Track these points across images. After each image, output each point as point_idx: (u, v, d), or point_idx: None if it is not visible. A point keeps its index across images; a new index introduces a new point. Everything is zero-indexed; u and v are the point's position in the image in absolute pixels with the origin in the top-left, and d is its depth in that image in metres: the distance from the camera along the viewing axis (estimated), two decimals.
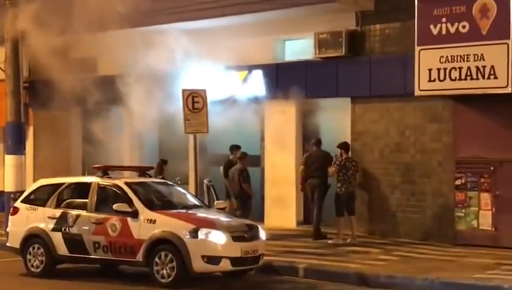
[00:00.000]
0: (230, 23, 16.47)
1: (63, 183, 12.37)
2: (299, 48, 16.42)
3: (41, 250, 11.93)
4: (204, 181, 15.11)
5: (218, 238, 10.89)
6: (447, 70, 13.13)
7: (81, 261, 11.88)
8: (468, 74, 12.95)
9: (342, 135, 15.27)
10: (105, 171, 12.30)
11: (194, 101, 13.77)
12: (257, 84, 16.45)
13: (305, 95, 15.68)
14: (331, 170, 14.13)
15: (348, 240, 13.97)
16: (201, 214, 11.73)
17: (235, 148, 14.83)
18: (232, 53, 16.39)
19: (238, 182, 13.66)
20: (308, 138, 16.05)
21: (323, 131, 16.05)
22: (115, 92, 15.68)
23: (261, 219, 15.89)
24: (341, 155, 14.08)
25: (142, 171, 13.08)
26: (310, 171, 14.69)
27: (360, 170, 14.48)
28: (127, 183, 11.78)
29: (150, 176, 12.97)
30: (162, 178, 13.68)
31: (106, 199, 11.83)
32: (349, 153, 14.34)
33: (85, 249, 11.59)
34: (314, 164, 14.59)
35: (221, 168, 14.92)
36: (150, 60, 17.13)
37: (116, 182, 11.89)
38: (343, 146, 14.15)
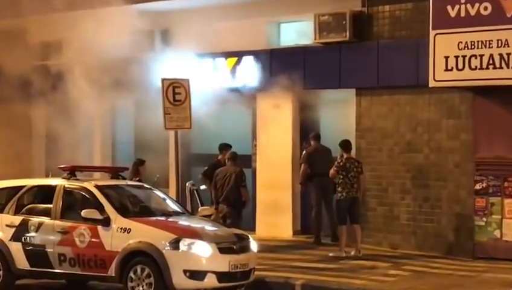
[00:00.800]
0: (218, 3, 16.42)
1: (24, 186, 12.28)
2: (297, 32, 16.38)
3: None
4: (187, 184, 15.06)
5: (202, 250, 10.83)
6: (466, 58, 13.11)
7: (45, 276, 11.79)
8: (491, 62, 12.92)
9: (345, 132, 15.26)
10: (72, 172, 12.21)
11: (175, 92, 13.72)
12: (248, 73, 16.40)
13: (303, 85, 15.64)
14: (331, 171, 14.12)
15: (352, 253, 13.95)
16: (184, 222, 11.67)
17: (224, 147, 14.76)
18: (219, 37, 16.35)
19: (235, 186, 13.52)
20: (307, 135, 16.03)
21: (324, 127, 16.05)
22: (83, 82, 15.61)
23: (251, 228, 15.86)
24: (341, 155, 14.05)
25: (115, 172, 13.02)
26: (315, 168, 14.79)
27: (365, 173, 14.44)
28: (97, 187, 11.70)
29: (124, 178, 12.91)
30: (139, 181, 13.61)
31: (73, 204, 11.76)
32: (352, 152, 14.29)
33: (49, 262, 11.50)
34: (321, 161, 14.69)
35: (205, 169, 14.80)
36: (121, 46, 17.08)
37: (85, 184, 11.81)
38: (343, 145, 14.15)
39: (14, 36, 15.49)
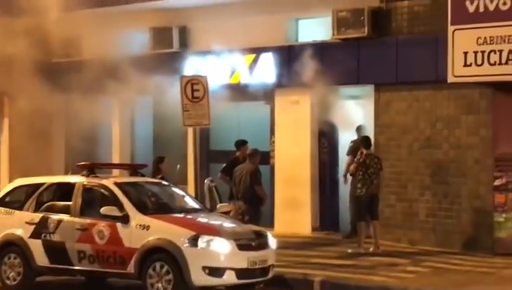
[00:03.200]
0: None
1: (43, 184, 12.35)
2: (315, 28, 16.37)
3: (18, 260, 11.92)
4: (206, 181, 15.10)
5: (221, 246, 10.87)
6: (485, 54, 13.06)
7: (64, 272, 11.86)
8: (510, 57, 12.88)
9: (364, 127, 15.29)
10: (91, 169, 12.27)
11: (194, 89, 13.74)
12: (266, 69, 16.41)
13: (321, 82, 15.63)
14: (350, 168, 14.13)
15: (371, 249, 13.94)
16: (202, 219, 11.72)
17: (241, 143, 14.77)
18: (237, 34, 16.38)
19: (250, 184, 13.51)
20: (325, 131, 16.02)
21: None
22: (102, 78, 15.70)
23: (270, 224, 15.88)
24: (361, 152, 14.05)
25: (134, 169, 13.08)
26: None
27: (384, 169, 14.42)
28: (116, 184, 11.76)
29: (143, 175, 12.96)
30: (161, 178, 13.62)
31: (93, 201, 11.82)
32: (371, 148, 14.29)
33: (68, 259, 11.58)
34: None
35: (223, 166, 14.82)
36: (139, 42, 17.14)
37: (104, 182, 11.87)
38: (363, 141, 14.16)
39: (35, 33, 15.61)
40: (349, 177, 14.80)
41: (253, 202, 13.53)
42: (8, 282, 11.98)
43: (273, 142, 16.68)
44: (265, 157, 16.30)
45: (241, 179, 13.57)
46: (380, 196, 14.29)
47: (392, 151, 15.05)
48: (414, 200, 14.80)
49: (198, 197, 13.73)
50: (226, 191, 14.49)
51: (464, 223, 14.25)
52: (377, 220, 14.08)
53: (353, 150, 15.05)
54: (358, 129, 15.38)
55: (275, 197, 16.43)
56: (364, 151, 14.02)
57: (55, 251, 11.68)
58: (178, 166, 15.43)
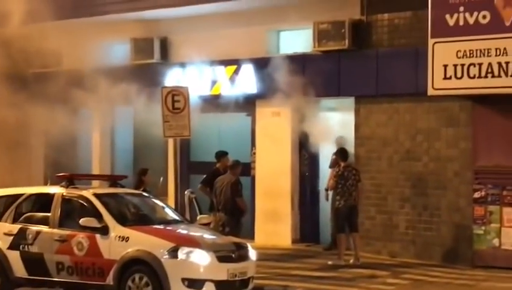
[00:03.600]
0: (218, 11, 16.48)
1: (22, 195, 12.28)
2: (296, 40, 16.43)
3: None
4: (186, 193, 15.07)
5: (201, 258, 10.85)
6: (465, 67, 13.16)
7: (42, 284, 11.78)
8: (489, 70, 12.97)
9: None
10: (70, 180, 12.21)
11: (174, 100, 13.74)
12: (247, 81, 16.44)
13: (302, 94, 15.69)
14: (330, 183, 14.16)
15: (351, 261, 13.97)
16: (182, 230, 11.69)
17: (221, 155, 14.78)
18: (218, 45, 16.41)
19: (230, 195, 13.50)
20: (306, 143, 16.06)
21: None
22: (83, 89, 15.67)
23: (251, 236, 15.87)
24: (339, 164, 14.08)
25: (114, 180, 13.04)
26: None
27: (364, 181, 14.46)
28: (95, 195, 11.73)
29: (123, 186, 12.92)
30: (144, 190, 13.57)
31: (72, 212, 11.76)
32: (348, 160, 14.30)
33: (47, 270, 11.52)
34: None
35: (204, 177, 14.82)
36: (119, 52, 17.12)
37: (83, 193, 11.83)
38: (339, 153, 14.19)
39: (12, 43, 15.57)
40: (331, 191, 14.83)
41: (233, 214, 13.53)
42: None
43: (254, 153, 16.69)
44: (246, 169, 16.31)
45: (222, 191, 13.57)
46: (360, 208, 14.34)
47: (372, 163, 15.10)
48: (394, 212, 14.85)
49: (178, 208, 13.70)
50: (206, 203, 14.49)
51: (444, 235, 14.31)
52: (356, 232, 14.11)
53: (335, 163, 15.11)
54: (338, 141, 15.42)
55: (255, 208, 16.43)
56: (342, 164, 14.05)
57: (34, 262, 11.60)
58: (161, 178, 15.42)
